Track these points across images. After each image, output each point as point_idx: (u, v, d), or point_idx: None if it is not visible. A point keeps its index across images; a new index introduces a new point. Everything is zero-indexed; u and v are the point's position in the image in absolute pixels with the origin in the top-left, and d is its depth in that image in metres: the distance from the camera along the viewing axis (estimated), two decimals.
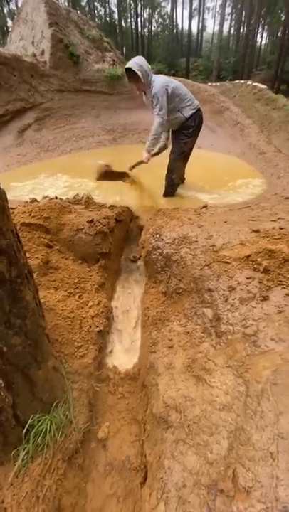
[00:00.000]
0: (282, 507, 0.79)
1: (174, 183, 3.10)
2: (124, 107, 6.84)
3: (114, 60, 7.36)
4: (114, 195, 2.98)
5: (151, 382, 1.31)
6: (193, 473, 0.96)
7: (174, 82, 2.80)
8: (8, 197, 0.87)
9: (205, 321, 1.40)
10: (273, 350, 1.12)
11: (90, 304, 1.77)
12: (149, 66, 2.67)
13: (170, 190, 3.12)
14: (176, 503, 0.91)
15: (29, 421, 0.99)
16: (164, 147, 3.12)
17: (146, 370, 1.41)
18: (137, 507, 1.05)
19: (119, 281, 2.27)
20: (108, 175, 2.78)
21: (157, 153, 3.01)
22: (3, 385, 0.83)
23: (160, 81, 2.67)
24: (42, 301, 1.52)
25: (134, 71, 2.56)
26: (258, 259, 1.41)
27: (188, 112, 2.84)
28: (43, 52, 6.50)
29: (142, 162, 2.83)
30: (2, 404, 0.85)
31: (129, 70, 2.60)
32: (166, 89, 2.67)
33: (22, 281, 0.83)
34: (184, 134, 2.91)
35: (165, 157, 3.12)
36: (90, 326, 1.60)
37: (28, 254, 1.80)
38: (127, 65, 2.60)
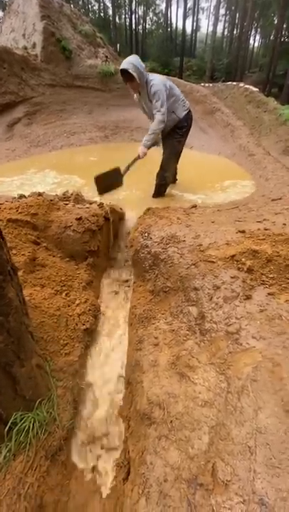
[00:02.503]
0: (259, 499, 0.82)
1: (166, 181, 3.11)
2: (117, 104, 6.79)
3: (107, 57, 7.29)
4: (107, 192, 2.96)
5: (136, 380, 1.32)
6: (174, 468, 0.98)
7: (170, 82, 2.82)
8: None
9: (190, 319, 1.42)
10: (254, 347, 1.15)
11: (77, 302, 1.76)
12: (143, 65, 2.66)
13: (161, 190, 3.12)
14: (157, 497, 0.93)
15: (11, 419, 0.98)
16: (156, 142, 3.13)
17: (131, 367, 1.42)
18: (119, 502, 1.07)
19: (107, 279, 2.26)
20: (103, 180, 2.66)
21: (152, 146, 2.96)
22: None
23: (159, 80, 2.67)
24: (28, 298, 1.51)
25: (129, 72, 2.54)
26: (243, 259, 1.45)
27: (181, 113, 2.87)
28: (34, 46, 6.37)
29: (137, 158, 2.78)
30: None
31: (124, 71, 2.58)
32: (166, 87, 2.68)
33: (5, 278, 0.82)
34: (177, 133, 2.94)
35: (155, 157, 3.13)
36: (77, 324, 1.60)
37: (14, 251, 1.77)
38: (122, 66, 2.57)
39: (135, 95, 2.90)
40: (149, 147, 2.77)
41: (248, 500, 0.85)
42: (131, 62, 2.57)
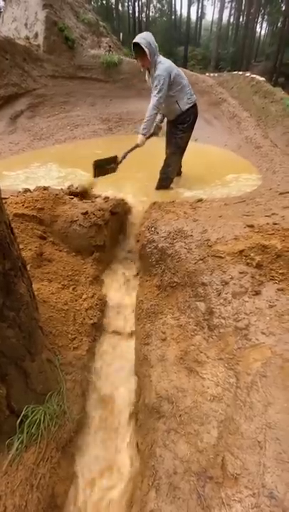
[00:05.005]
0: (269, 493, 0.83)
1: (168, 176, 3.08)
2: (120, 95, 6.68)
3: (110, 46, 7.15)
4: (109, 187, 2.94)
5: (144, 374, 1.33)
6: (183, 461, 1.00)
7: (178, 70, 2.77)
8: (1, 186, 0.85)
9: (198, 314, 1.42)
10: (264, 343, 1.15)
11: (84, 296, 1.77)
12: (156, 44, 2.61)
13: (164, 184, 3.09)
14: (166, 489, 0.94)
15: (23, 411, 1.00)
16: (159, 129, 3.10)
17: (139, 361, 1.43)
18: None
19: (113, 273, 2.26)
20: (100, 165, 2.73)
21: (151, 135, 2.94)
22: None
23: (166, 64, 2.63)
24: (36, 293, 1.51)
25: (141, 46, 2.50)
26: (251, 254, 1.43)
27: (184, 106, 2.82)
28: (36, 35, 6.26)
29: (136, 146, 2.78)
30: None
31: (136, 45, 2.54)
32: (170, 74, 2.63)
33: (16, 273, 0.82)
34: (178, 129, 2.89)
35: (160, 148, 3.09)
36: (84, 319, 1.61)
37: (21, 246, 1.78)
38: (135, 40, 2.54)
39: (146, 74, 2.85)
40: (146, 135, 2.76)
41: (257, 493, 0.85)
42: (145, 37, 2.54)
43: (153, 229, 1.90)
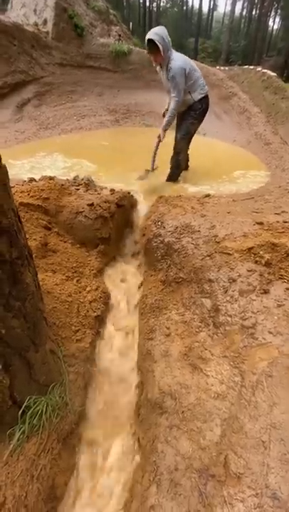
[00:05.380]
0: (272, 494, 0.82)
1: (179, 164, 3.07)
2: (129, 86, 6.56)
3: (120, 35, 6.99)
4: (115, 179, 2.90)
5: (147, 369, 1.32)
6: (185, 457, 0.99)
7: (191, 64, 2.77)
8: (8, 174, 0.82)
9: (203, 311, 1.40)
10: (270, 343, 1.13)
11: (88, 288, 1.75)
12: (170, 39, 2.56)
13: (175, 173, 3.07)
14: (168, 485, 0.94)
15: (25, 402, 0.99)
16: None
17: (142, 356, 1.42)
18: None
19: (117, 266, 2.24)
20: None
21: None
22: (0, 367, 0.82)
23: (179, 61, 2.63)
24: (40, 284, 1.50)
25: (155, 42, 2.45)
26: (261, 252, 1.40)
27: (197, 96, 2.81)
28: (45, 22, 6.12)
29: (159, 141, 2.93)
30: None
31: (150, 41, 2.49)
32: (184, 72, 2.64)
33: (22, 262, 0.80)
34: (191, 115, 2.89)
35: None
36: (88, 311, 1.59)
37: (26, 236, 1.75)
38: (149, 36, 2.51)
39: (158, 67, 2.81)
40: (166, 130, 2.87)
41: (260, 493, 0.84)
42: (158, 33, 2.49)
43: (160, 223, 1.86)
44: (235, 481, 0.88)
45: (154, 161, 2.99)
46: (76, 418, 1.16)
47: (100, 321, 1.63)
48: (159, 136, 2.91)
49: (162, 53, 2.51)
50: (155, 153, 2.98)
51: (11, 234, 0.73)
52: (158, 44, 2.45)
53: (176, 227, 1.77)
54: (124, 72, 6.60)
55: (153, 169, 3.00)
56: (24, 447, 0.99)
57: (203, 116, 2.96)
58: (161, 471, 0.97)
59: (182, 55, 2.73)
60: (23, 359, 0.90)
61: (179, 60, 2.60)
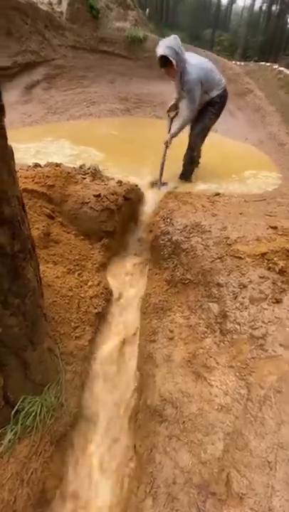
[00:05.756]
0: None
1: (194, 161, 2.95)
2: (142, 75, 6.35)
3: (136, 20, 6.73)
4: (123, 171, 2.80)
5: (147, 372, 1.27)
6: (184, 471, 0.94)
7: (208, 67, 2.60)
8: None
9: (210, 316, 1.33)
10: (281, 356, 1.07)
11: (90, 283, 1.68)
12: (182, 48, 2.39)
13: (189, 170, 2.95)
14: (164, 499, 0.89)
15: (19, 402, 0.93)
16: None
17: (143, 359, 1.36)
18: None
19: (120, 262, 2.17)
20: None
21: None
22: None
23: (195, 73, 2.45)
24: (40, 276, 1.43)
25: (167, 57, 2.30)
26: (275, 259, 1.33)
27: (215, 93, 2.69)
28: (60, 2, 5.87)
29: (166, 150, 2.75)
30: None
31: (162, 57, 2.34)
32: (200, 82, 2.50)
33: (25, 256, 0.73)
34: (209, 110, 2.77)
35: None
36: (88, 307, 1.53)
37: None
38: (161, 52, 2.33)
39: (173, 79, 2.66)
40: (174, 137, 2.72)
41: None
42: (171, 46, 2.31)
43: (168, 220, 1.79)
44: (237, 501, 0.83)
45: (162, 173, 2.72)
46: (71, 420, 1.11)
47: (101, 318, 1.57)
48: (166, 143, 2.71)
49: (176, 67, 2.36)
50: (163, 164, 2.72)
51: (14, 225, 0.65)
52: (171, 59, 2.30)
53: (186, 226, 1.69)
54: (138, 59, 6.38)
55: (162, 184, 2.72)
56: (15, 449, 0.94)
57: (222, 110, 2.83)
58: (158, 483, 0.92)
59: (196, 60, 2.55)
60: (19, 358, 0.84)
61: (193, 71, 2.43)
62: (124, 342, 1.57)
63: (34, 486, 0.92)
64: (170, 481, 0.93)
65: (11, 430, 0.93)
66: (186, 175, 2.95)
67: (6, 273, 0.66)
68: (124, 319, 1.66)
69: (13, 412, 0.92)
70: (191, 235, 1.63)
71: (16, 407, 0.92)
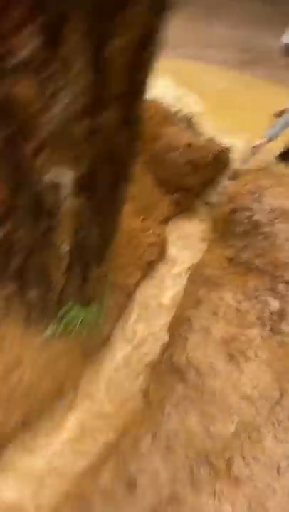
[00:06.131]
0: None
1: None
2: (276, 27, 5.35)
3: None
4: (220, 130, 2.52)
5: (180, 334, 1.26)
6: (188, 432, 0.96)
7: None
8: None
9: (265, 310, 1.23)
10: None
11: (150, 231, 1.66)
12: None
13: None
14: (162, 448, 0.92)
15: (67, 306, 1.00)
16: None
17: (178, 320, 1.35)
18: None
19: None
20: None
21: None
22: (64, 266, 0.79)
23: None
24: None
25: None
26: None
27: None
28: None
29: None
30: (55, 283, 0.83)
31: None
32: None
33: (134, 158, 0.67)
34: None
35: None
36: (144, 253, 1.52)
37: None
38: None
39: None
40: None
41: (253, 509, 0.79)
42: None
43: (256, 196, 1.60)
44: (233, 482, 0.83)
45: (263, 145, 1.90)
46: (100, 343, 1.17)
47: (151, 267, 1.56)
48: (280, 112, 1.99)
49: None
50: (271, 136, 1.89)
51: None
52: None
53: (274, 209, 1.50)
54: (281, 4, 5.33)
55: (267, 140, 1.89)
56: (51, 343, 1.03)
57: None
58: (161, 433, 0.95)
59: None
60: (84, 268, 0.87)
61: None
62: (162, 299, 1.57)
63: (56, 378, 1.02)
64: (172, 433, 0.96)
65: (55, 326, 1.01)
66: (288, 156, 2.56)
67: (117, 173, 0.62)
68: (172, 277, 1.64)
69: (60, 312, 0.99)
70: (276, 220, 1.45)
71: (64, 309, 0.99)
